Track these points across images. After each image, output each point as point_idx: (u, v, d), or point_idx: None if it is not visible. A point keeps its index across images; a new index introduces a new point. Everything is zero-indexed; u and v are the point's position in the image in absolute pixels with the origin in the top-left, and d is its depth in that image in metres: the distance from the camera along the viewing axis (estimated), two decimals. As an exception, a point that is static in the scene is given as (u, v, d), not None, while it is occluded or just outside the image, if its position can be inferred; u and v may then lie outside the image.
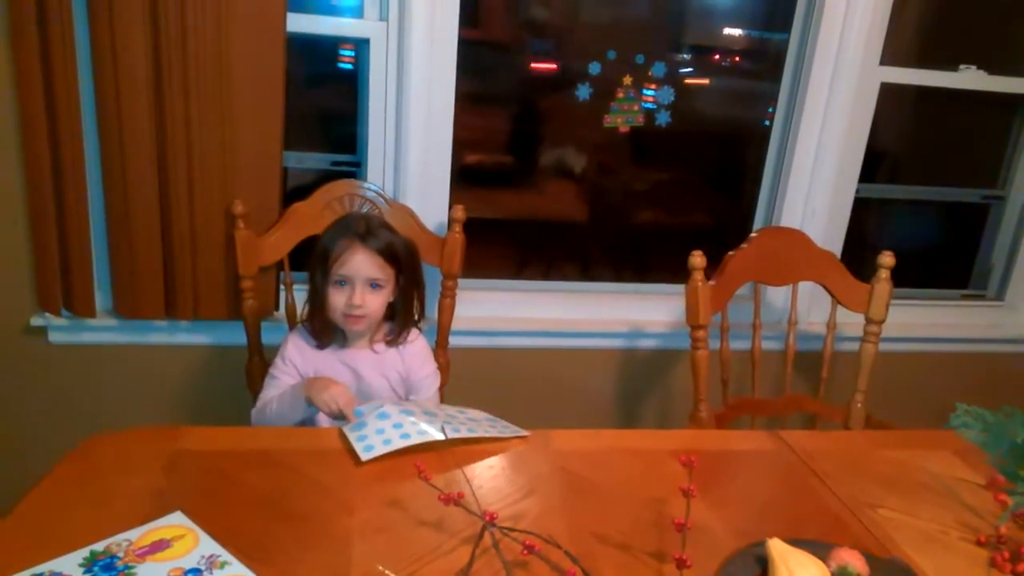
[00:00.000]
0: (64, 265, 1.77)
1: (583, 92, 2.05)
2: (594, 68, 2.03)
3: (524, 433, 1.32)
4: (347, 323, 1.50)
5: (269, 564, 0.95)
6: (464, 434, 1.26)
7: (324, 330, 1.53)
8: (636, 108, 2.09)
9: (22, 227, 1.76)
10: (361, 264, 1.46)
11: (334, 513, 1.08)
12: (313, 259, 1.53)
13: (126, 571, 0.93)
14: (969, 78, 2.21)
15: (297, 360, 1.54)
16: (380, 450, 1.21)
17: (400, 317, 1.57)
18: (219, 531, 1.00)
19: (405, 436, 1.23)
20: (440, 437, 1.24)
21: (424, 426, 1.26)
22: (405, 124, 1.89)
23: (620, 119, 2.10)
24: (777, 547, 0.93)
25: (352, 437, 1.25)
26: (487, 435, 1.29)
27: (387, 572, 0.95)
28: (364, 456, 1.20)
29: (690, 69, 2.15)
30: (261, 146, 1.74)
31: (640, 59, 2.05)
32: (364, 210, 1.78)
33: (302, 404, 1.42)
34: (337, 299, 1.48)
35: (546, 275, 2.34)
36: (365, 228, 1.49)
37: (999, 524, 1.11)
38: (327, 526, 1.05)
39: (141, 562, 0.94)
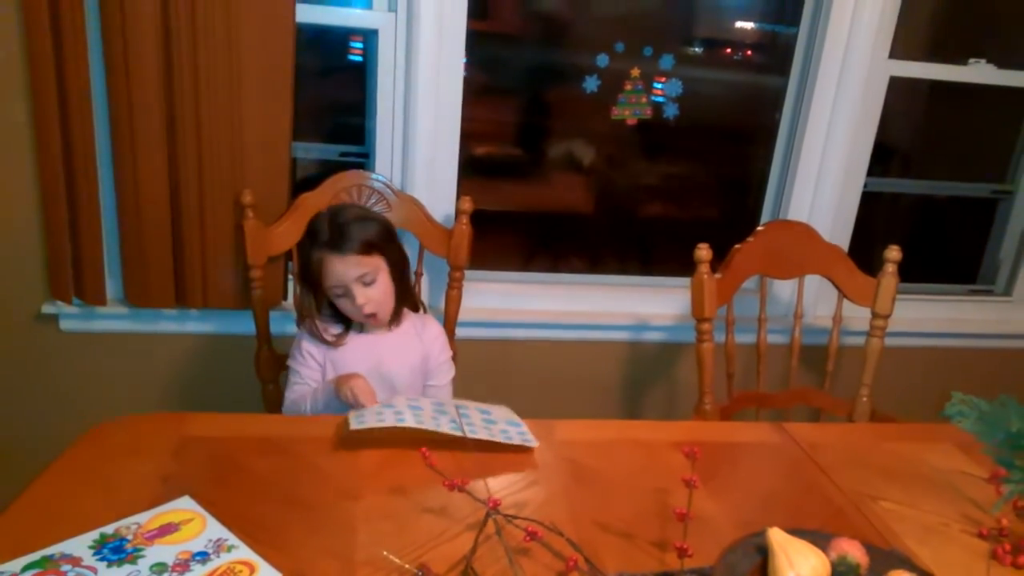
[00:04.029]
0: (75, 253, 1.78)
1: (591, 84, 2.05)
2: (602, 60, 2.04)
3: (532, 443, 1.26)
4: (368, 321, 1.52)
5: (275, 548, 0.97)
6: (464, 432, 1.23)
7: (333, 326, 1.54)
8: (644, 100, 2.09)
9: (34, 216, 1.77)
10: (343, 271, 1.45)
11: (339, 499, 1.09)
12: (299, 273, 1.55)
13: (135, 553, 0.94)
14: (979, 72, 2.20)
15: (313, 351, 1.55)
16: (370, 423, 1.20)
17: (401, 291, 1.56)
18: (226, 515, 1.02)
19: (400, 419, 1.22)
20: (432, 428, 1.22)
21: (424, 417, 1.24)
22: (413, 116, 1.90)
23: (628, 111, 2.10)
24: (777, 536, 0.93)
25: (352, 415, 1.25)
26: (489, 439, 1.24)
27: (392, 557, 0.96)
28: (354, 425, 1.20)
29: (698, 62, 2.15)
30: (270, 136, 1.75)
31: (648, 51, 2.05)
32: (371, 202, 1.79)
33: (334, 400, 1.44)
34: (346, 306, 1.49)
35: (553, 267, 2.34)
36: (330, 234, 1.45)
37: (994, 512, 1.12)
38: (332, 512, 1.06)
39: (150, 545, 0.96)
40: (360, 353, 1.54)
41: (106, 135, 1.72)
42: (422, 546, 1.00)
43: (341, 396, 1.40)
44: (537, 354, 2.16)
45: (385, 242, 1.51)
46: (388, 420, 1.21)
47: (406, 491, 1.12)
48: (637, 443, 1.33)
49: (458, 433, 1.22)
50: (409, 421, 1.22)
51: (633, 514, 1.11)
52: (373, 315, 1.50)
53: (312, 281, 1.49)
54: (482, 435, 1.24)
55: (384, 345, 1.56)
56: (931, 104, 2.41)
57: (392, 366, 1.55)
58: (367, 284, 1.48)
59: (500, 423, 1.31)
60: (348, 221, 1.49)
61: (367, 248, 1.47)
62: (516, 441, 1.26)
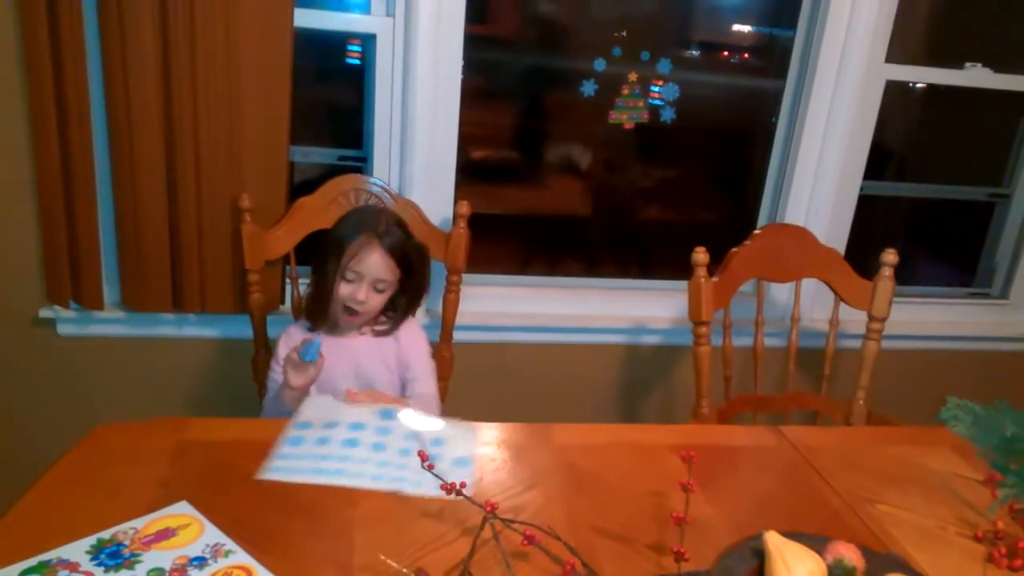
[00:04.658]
0: (73, 258, 1.78)
1: (588, 88, 2.06)
2: (600, 65, 2.04)
3: (463, 489, 1.03)
4: (344, 316, 1.54)
5: (273, 553, 0.97)
6: (385, 486, 1.13)
7: (320, 315, 1.56)
8: (641, 105, 2.10)
9: (31, 220, 1.77)
10: (374, 264, 1.49)
11: (336, 504, 1.09)
12: (325, 248, 1.55)
13: (132, 559, 0.94)
14: (975, 76, 2.20)
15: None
16: (282, 477, 1.14)
17: (400, 313, 1.60)
18: (224, 520, 1.02)
19: (318, 472, 1.16)
20: (349, 485, 1.13)
21: (350, 468, 1.17)
22: (411, 119, 1.90)
23: (625, 116, 2.10)
24: (774, 540, 0.93)
25: (282, 447, 1.20)
26: (413, 493, 1.13)
27: (389, 562, 0.96)
28: (262, 475, 1.14)
29: (696, 66, 2.16)
30: (268, 141, 1.75)
31: (645, 56, 2.06)
32: (371, 203, 1.79)
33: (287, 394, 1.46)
34: (343, 291, 1.51)
35: (551, 271, 2.34)
36: (383, 226, 1.51)
37: (988, 515, 1.12)
38: (330, 516, 1.07)
39: (147, 550, 0.96)
40: (338, 358, 1.54)
41: (104, 139, 1.72)
42: (420, 550, 1.01)
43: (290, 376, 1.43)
44: (534, 358, 2.16)
45: (416, 265, 1.57)
46: (303, 476, 1.14)
47: (403, 495, 1.12)
48: (634, 447, 1.34)
49: (376, 487, 1.14)
50: (324, 478, 1.14)
51: (630, 518, 1.11)
52: (356, 314, 1.53)
53: (336, 255, 1.50)
54: (408, 489, 1.13)
55: (361, 349, 1.59)
56: (927, 107, 2.42)
57: (370, 367, 1.58)
58: (377, 290, 1.52)
59: (445, 461, 1.20)
60: (398, 226, 1.56)
61: (402, 259, 1.52)
62: (427, 493, 1.11)
